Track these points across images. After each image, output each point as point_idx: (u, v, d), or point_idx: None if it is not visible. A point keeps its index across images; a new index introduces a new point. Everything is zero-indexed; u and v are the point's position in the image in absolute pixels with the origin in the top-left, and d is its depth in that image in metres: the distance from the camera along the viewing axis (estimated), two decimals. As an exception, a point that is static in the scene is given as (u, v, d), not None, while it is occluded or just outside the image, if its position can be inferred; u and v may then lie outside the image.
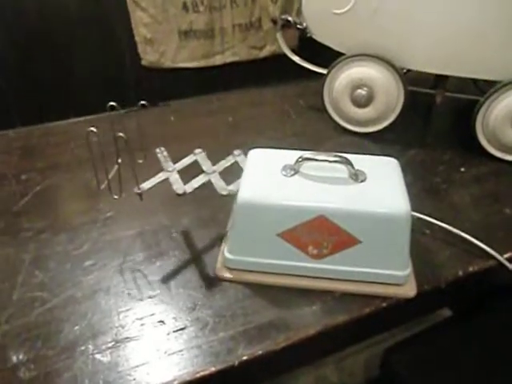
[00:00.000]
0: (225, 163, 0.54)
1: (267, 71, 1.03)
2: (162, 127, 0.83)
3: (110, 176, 0.48)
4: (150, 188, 0.51)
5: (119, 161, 0.49)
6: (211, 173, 0.53)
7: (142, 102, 0.51)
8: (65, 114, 0.87)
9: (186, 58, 1.02)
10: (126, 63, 0.97)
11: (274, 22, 0.94)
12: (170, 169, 0.53)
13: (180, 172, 0.53)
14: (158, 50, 0.98)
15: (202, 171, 0.54)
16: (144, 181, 0.51)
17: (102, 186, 0.49)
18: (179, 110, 0.90)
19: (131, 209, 0.61)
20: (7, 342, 0.44)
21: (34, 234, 0.57)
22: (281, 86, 0.98)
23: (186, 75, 1.02)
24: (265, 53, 1.07)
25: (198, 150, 0.55)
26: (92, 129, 0.45)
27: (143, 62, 0.98)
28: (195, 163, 0.55)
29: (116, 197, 0.50)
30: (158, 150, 0.54)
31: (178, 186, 0.51)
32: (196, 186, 0.51)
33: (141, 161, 0.53)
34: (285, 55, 0.87)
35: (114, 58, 0.96)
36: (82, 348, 0.43)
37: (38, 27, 0.85)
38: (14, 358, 0.42)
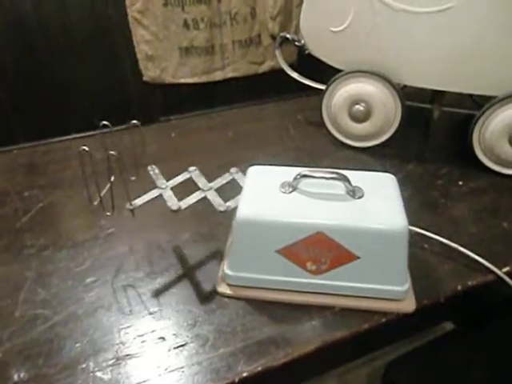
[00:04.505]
0: (221, 180, 0.55)
1: (267, 86, 1.05)
2: (163, 143, 0.84)
3: (102, 193, 0.49)
4: (142, 204, 0.52)
5: (112, 179, 0.50)
6: (207, 190, 0.53)
7: (134, 122, 0.52)
8: (67, 130, 0.88)
9: (186, 73, 1.03)
10: (128, 79, 0.99)
11: (274, 38, 0.96)
12: (163, 186, 0.53)
13: (175, 189, 0.54)
14: (159, 67, 1.00)
15: (198, 188, 0.54)
16: (137, 197, 0.52)
17: (95, 203, 0.50)
18: (180, 126, 0.92)
19: (132, 225, 0.62)
20: (9, 360, 0.44)
21: (37, 251, 0.58)
22: (280, 101, 0.99)
23: (187, 91, 1.03)
24: (264, 68, 1.08)
25: (191, 168, 0.56)
26: (84, 147, 0.46)
27: (145, 78, 0.99)
28: (190, 180, 0.56)
29: (109, 213, 0.51)
30: (149, 168, 0.55)
31: (173, 203, 0.51)
32: (191, 202, 0.52)
33: (133, 178, 0.54)
34: (284, 71, 0.88)
35: (116, 74, 0.98)
36: (83, 366, 0.44)
37: (40, 44, 0.87)
38: (16, 377, 0.43)
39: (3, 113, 0.90)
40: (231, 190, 0.54)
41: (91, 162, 0.47)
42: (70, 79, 0.93)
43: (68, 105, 0.95)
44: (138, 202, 0.52)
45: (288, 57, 0.97)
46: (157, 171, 0.55)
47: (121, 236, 0.60)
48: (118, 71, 0.97)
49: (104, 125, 0.50)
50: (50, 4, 0.84)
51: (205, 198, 0.53)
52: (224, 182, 0.55)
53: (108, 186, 0.50)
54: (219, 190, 0.54)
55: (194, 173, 0.56)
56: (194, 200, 0.52)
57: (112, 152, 0.46)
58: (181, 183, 0.56)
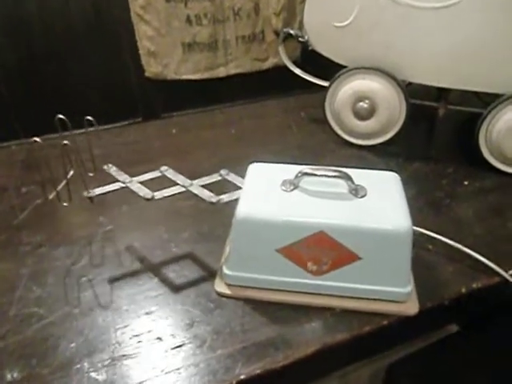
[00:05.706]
0: (207, 179, 0.53)
1: (270, 83, 1.04)
2: (164, 140, 0.83)
3: (58, 187, 0.50)
4: (102, 194, 0.51)
5: (71, 172, 0.51)
6: (188, 185, 0.52)
7: (88, 118, 0.51)
8: (67, 127, 0.87)
9: (189, 70, 1.02)
10: (131, 75, 0.98)
11: (277, 34, 0.95)
12: (127, 180, 0.52)
13: (147, 184, 0.53)
14: (162, 63, 0.99)
15: (176, 184, 0.53)
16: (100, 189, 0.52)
17: (51, 196, 0.50)
18: (182, 123, 0.91)
19: (131, 223, 0.61)
20: (2, 360, 0.43)
21: (33, 248, 0.57)
22: (283, 98, 0.98)
23: (190, 87, 1.02)
24: (268, 64, 1.07)
25: (163, 168, 0.55)
26: (35, 139, 0.47)
27: (147, 74, 0.98)
28: (165, 178, 0.54)
29: (65, 204, 0.50)
30: (105, 167, 0.54)
31: (145, 192, 0.50)
32: (167, 194, 0.51)
33: (91, 174, 0.54)
34: (287, 67, 0.87)
35: (119, 71, 0.97)
36: (78, 366, 0.43)
37: (42, 40, 0.86)
38: (9, 377, 0.42)
39: (4, 108, 0.89)
40: (223, 187, 0.53)
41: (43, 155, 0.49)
42: (72, 75, 0.92)
43: (69, 101, 0.95)
44: (98, 190, 0.51)
45: (291, 53, 0.96)
46: (114, 168, 0.54)
47: (119, 233, 0.59)
48: (120, 67, 0.96)
49: (60, 119, 0.50)
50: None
51: (190, 193, 0.51)
52: (212, 180, 0.53)
53: (67, 177, 0.51)
54: (208, 187, 0.52)
55: (166, 172, 0.54)
56: (171, 193, 0.51)
57: (66, 142, 0.46)
58: (152, 180, 0.54)
